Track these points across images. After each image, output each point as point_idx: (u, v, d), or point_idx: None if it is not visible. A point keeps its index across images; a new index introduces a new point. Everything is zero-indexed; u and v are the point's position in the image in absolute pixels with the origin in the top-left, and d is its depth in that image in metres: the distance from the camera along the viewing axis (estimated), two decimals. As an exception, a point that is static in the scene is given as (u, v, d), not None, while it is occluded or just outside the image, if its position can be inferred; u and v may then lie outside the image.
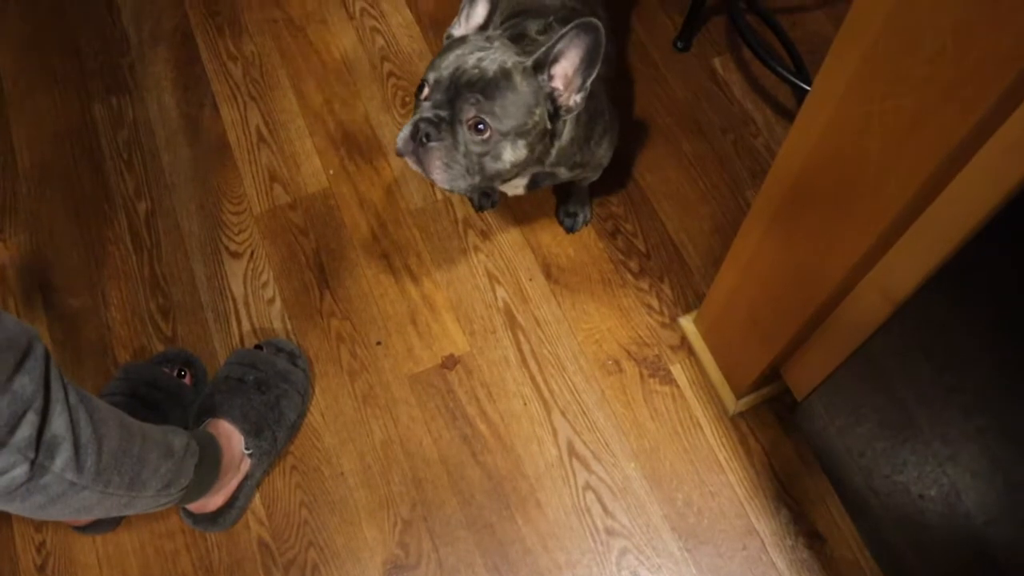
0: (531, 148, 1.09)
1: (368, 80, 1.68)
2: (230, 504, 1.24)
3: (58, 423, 0.83)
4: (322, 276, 1.47)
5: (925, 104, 0.69)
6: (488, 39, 1.08)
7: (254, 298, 1.45)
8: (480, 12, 1.13)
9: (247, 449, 1.23)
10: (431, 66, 1.08)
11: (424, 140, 1.05)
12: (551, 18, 1.21)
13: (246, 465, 1.24)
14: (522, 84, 1.05)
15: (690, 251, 1.49)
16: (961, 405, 0.83)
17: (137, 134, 1.63)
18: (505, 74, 1.04)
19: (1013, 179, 0.66)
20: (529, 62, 1.05)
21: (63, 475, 0.84)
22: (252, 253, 1.50)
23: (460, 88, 1.04)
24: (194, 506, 1.21)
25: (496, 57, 1.05)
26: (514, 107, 1.04)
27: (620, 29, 1.73)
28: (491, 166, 1.08)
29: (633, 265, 1.47)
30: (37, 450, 0.81)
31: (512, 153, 1.07)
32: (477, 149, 1.06)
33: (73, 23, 1.77)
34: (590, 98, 1.13)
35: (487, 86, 1.03)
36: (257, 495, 1.29)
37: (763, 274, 1.10)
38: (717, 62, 1.70)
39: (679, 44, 1.70)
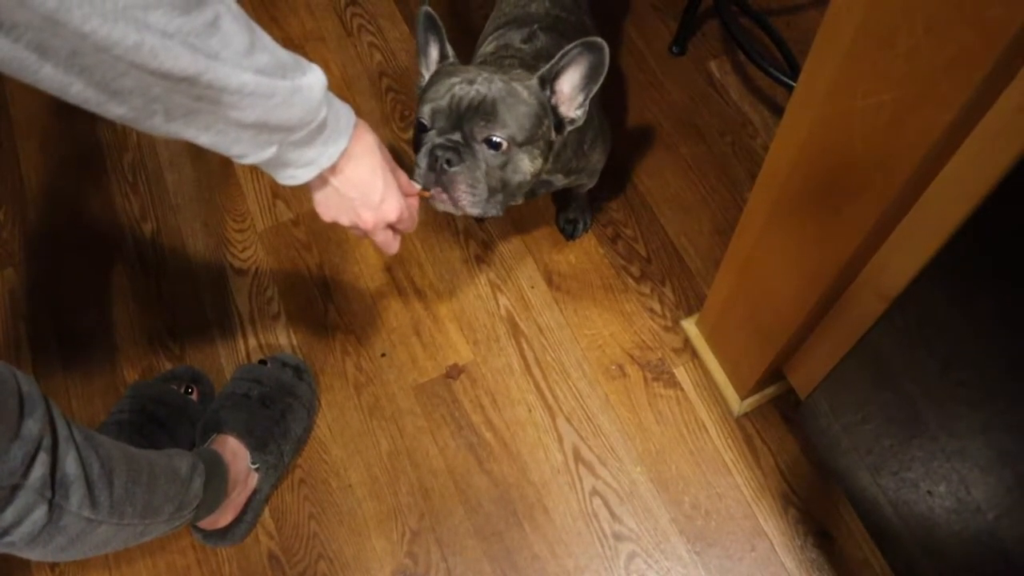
0: (544, 157, 1.09)
1: (367, 95, 1.69)
2: (239, 519, 1.25)
3: (69, 462, 0.84)
4: (326, 290, 1.48)
5: (905, 100, 0.70)
6: (466, 69, 1.08)
7: (259, 314, 1.47)
8: (434, 54, 1.14)
9: (253, 464, 1.24)
10: (423, 100, 1.07)
11: (445, 167, 1.02)
12: (535, 26, 1.22)
13: (253, 480, 1.25)
14: (529, 97, 1.05)
15: (691, 254, 1.49)
16: (967, 399, 0.83)
17: (141, 156, 1.65)
18: (510, 91, 1.04)
19: (998, 169, 0.67)
20: (534, 79, 1.06)
21: (80, 513, 0.86)
22: (256, 270, 1.51)
23: (465, 111, 1.02)
24: (204, 522, 1.22)
25: (491, 79, 1.04)
26: (525, 118, 1.04)
27: (611, 35, 1.74)
28: (513, 178, 1.07)
29: (634, 270, 1.48)
30: (53, 490, 0.82)
31: (531, 163, 1.07)
32: (497, 163, 1.04)
33: (77, 49, 1.79)
34: None
35: (493, 104, 1.02)
36: (266, 509, 1.30)
37: (760, 274, 1.11)
38: (713, 65, 1.70)
39: (675, 49, 1.71)
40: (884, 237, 0.88)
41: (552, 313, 1.44)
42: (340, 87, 1.70)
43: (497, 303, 1.46)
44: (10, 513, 0.79)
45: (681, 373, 1.38)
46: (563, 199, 1.50)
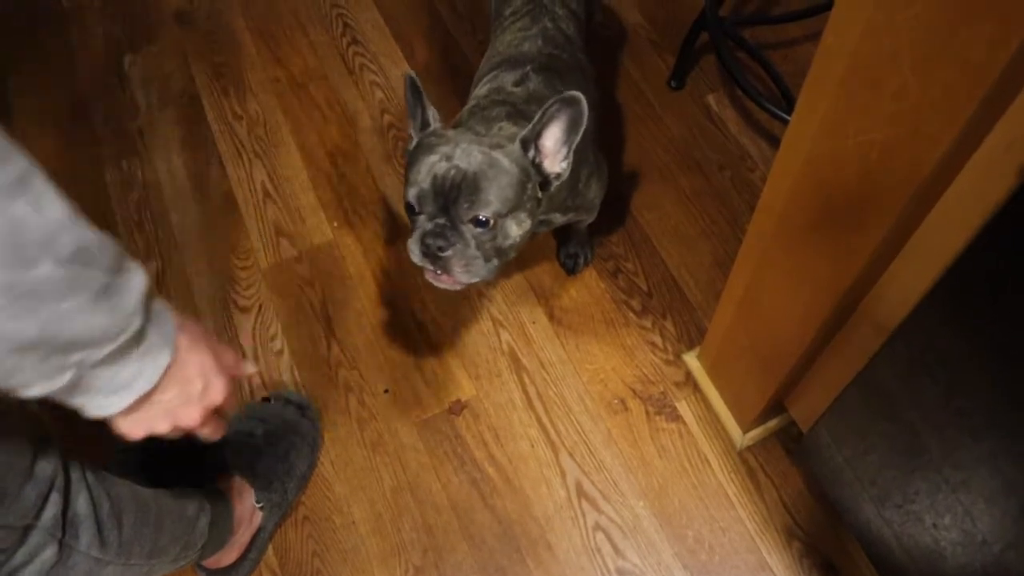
0: (532, 215, 1.10)
1: (369, 133, 1.71)
2: (243, 557, 1.24)
3: (80, 502, 0.85)
4: (329, 327, 1.49)
5: (895, 138, 0.71)
6: (446, 137, 1.08)
7: (263, 351, 1.48)
8: (420, 118, 1.15)
9: (258, 502, 1.24)
10: (408, 182, 1.08)
11: (438, 253, 1.05)
12: (528, 67, 1.24)
13: (258, 518, 1.25)
14: (510, 165, 1.06)
15: (691, 287, 1.50)
16: (969, 429, 0.83)
17: (147, 196, 1.67)
18: (491, 162, 1.05)
19: (991, 202, 0.68)
20: (515, 143, 1.07)
21: (89, 552, 0.86)
22: (260, 307, 1.52)
23: (448, 192, 1.04)
24: (208, 561, 1.22)
25: (469, 150, 1.05)
26: (508, 188, 1.05)
27: (608, 70, 1.76)
28: (505, 244, 1.08)
29: (635, 304, 1.49)
30: (64, 529, 0.82)
31: (518, 227, 1.08)
32: (487, 237, 1.06)
33: (84, 91, 1.83)
34: None
35: (475, 180, 1.03)
36: (270, 547, 1.30)
37: (760, 306, 1.11)
38: (711, 99, 1.72)
39: (673, 83, 1.73)
40: (882, 269, 0.89)
41: (554, 348, 1.45)
42: (342, 125, 1.73)
43: (499, 338, 1.46)
44: (21, 554, 0.80)
45: (683, 407, 1.38)
46: (563, 234, 1.51)
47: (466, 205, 1.03)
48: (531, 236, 1.26)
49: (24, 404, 0.82)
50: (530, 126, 1.06)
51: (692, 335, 1.45)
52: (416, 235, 1.07)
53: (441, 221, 1.05)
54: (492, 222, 1.05)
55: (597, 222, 1.41)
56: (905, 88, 0.65)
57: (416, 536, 1.30)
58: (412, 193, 1.06)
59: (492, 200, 1.04)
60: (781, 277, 1.02)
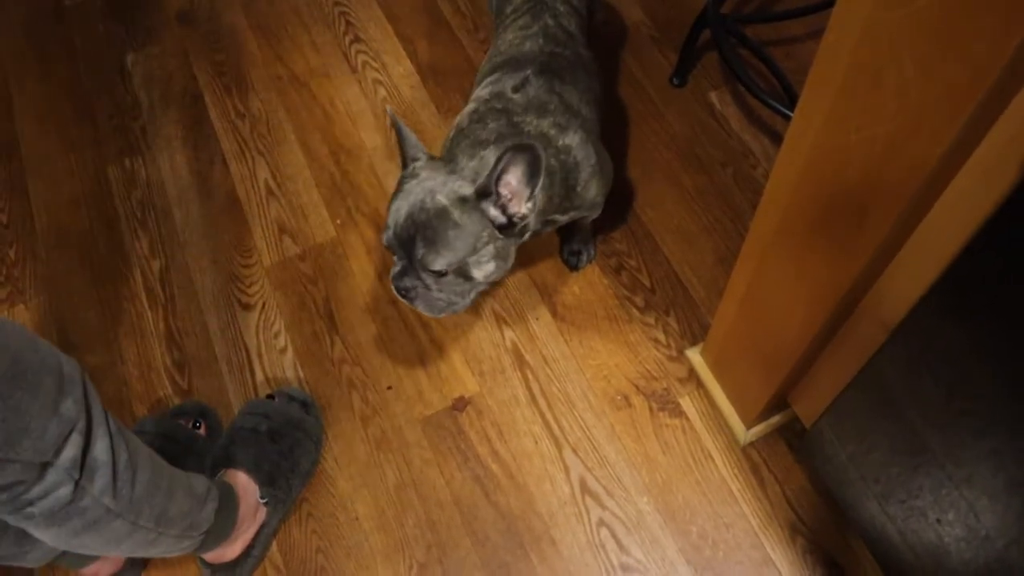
0: (499, 255, 1.14)
1: (372, 130, 1.72)
2: (247, 553, 1.25)
3: (100, 447, 0.87)
4: (332, 324, 1.49)
5: (897, 134, 0.71)
6: (417, 179, 1.13)
7: (266, 348, 1.48)
8: (401, 153, 1.19)
9: (262, 498, 1.24)
10: (388, 212, 1.15)
11: (405, 293, 1.16)
12: (528, 71, 1.24)
13: (262, 514, 1.26)
14: (462, 217, 1.09)
15: (694, 284, 1.50)
16: (972, 426, 0.83)
17: (150, 194, 1.67)
18: (440, 214, 1.09)
19: (994, 198, 0.68)
20: (471, 192, 1.09)
21: (101, 499, 0.88)
22: (264, 304, 1.53)
23: (411, 236, 1.10)
24: (211, 556, 1.23)
25: (424, 201, 1.10)
26: (458, 241, 1.10)
27: (611, 67, 1.76)
28: (469, 287, 1.16)
29: (638, 300, 1.49)
30: (81, 471, 0.85)
31: (480, 270, 1.14)
32: (447, 281, 1.14)
33: (88, 90, 1.83)
34: (564, 153, 1.18)
35: (426, 234, 1.09)
36: (274, 543, 1.30)
37: (762, 303, 1.12)
38: (714, 96, 1.72)
39: (675, 80, 1.73)
40: (884, 265, 0.89)
41: (557, 344, 1.45)
42: (345, 123, 1.73)
43: (502, 335, 1.47)
44: (37, 489, 0.82)
45: (686, 403, 1.39)
46: (567, 231, 1.51)
47: (420, 255, 1.10)
48: (534, 235, 1.27)
49: (54, 348, 0.85)
50: (484, 177, 1.09)
51: (695, 331, 1.45)
52: (391, 275, 1.17)
53: (406, 266, 1.14)
54: (447, 271, 1.12)
55: (600, 219, 1.41)
56: (907, 84, 0.65)
57: (420, 532, 1.30)
58: (384, 237, 1.15)
59: (443, 254, 1.10)
60: (784, 274, 1.03)
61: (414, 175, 1.14)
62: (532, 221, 1.14)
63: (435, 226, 1.09)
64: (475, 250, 1.11)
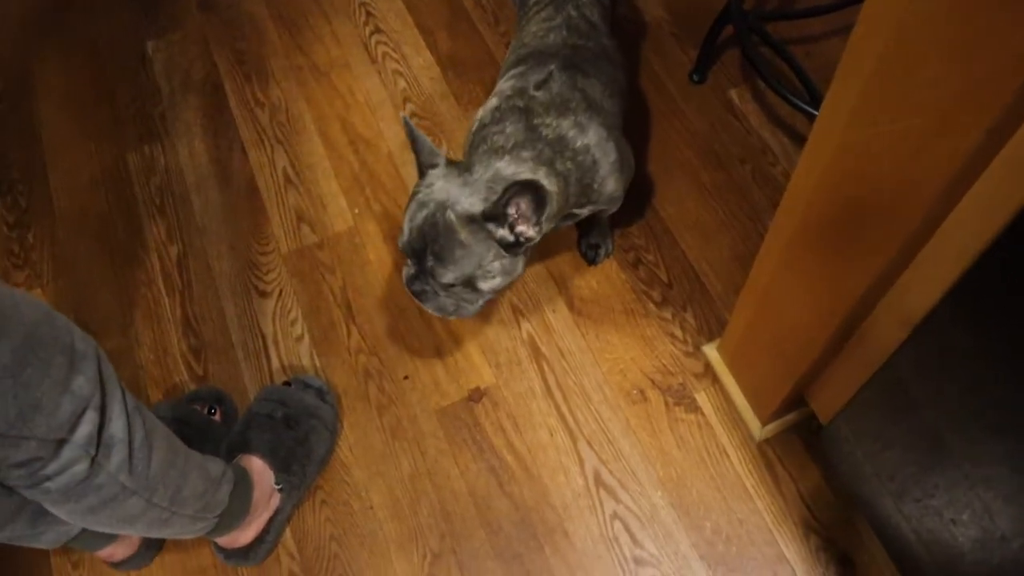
0: (503, 269, 1.16)
1: (391, 121, 1.72)
2: (261, 539, 1.25)
3: (116, 424, 0.87)
4: (349, 313, 1.50)
5: (928, 127, 0.71)
6: (431, 189, 1.15)
7: (283, 336, 1.48)
8: (417, 159, 1.21)
9: (277, 484, 1.25)
10: (404, 217, 1.17)
11: (419, 296, 1.20)
12: (552, 67, 1.24)
13: (276, 500, 1.26)
14: (468, 237, 1.11)
15: (712, 280, 1.50)
16: (990, 426, 0.83)
17: (169, 180, 1.68)
18: (449, 232, 1.11)
19: (1021, 195, 0.67)
20: (480, 212, 1.10)
21: (116, 476, 0.89)
22: (281, 292, 1.53)
23: (423, 245, 1.13)
24: (225, 541, 1.23)
25: (434, 214, 1.11)
26: (465, 260, 1.12)
27: (631, 62, 1.76)
28: (476, 297, 1.19)
29: (656, 295, 1.49)
30: (97, 447, 0.85)
31: (487, 283, 1.16)
32: (456, 291, 1.17)
33: (108, 76, 1.84)
34: (582, 154, 1.19)
35: (437, 246, 1.12)
36: (288, 529, 1.31)
37: (780, 300, 1.11)
38: (734, 93, 1.72)
39: (695, 77, 1.73)
40: (906, 264, 0.88)
41: (574, 337, 1.45)
42: (364, 113, 1.73)
43: (519, 327, 1.47)
44: (53, 466, 0.82)
45: (702, 398, 1.38)
46: (585, 224, 1.51)
47: (430, 266, 1.13)
48: (554, 230, 1.27)
49: (69, 324, 0.85)
50: (491, 204, 1.10)
51: (712, 327, 1.45)
52: (404, 272, 1.21)
53: (418, 272, 1.18)
54: (455, 283, 1.15)
55: (618, 214, 1.41)
56: (942, 74, 0.65)
57: (434, 522, 1.30)
58: (399, 241, 1.18)
59: (450, 269, 1.13)
60: (804, 270, 1.02)
61: (430, 184, 1.16)
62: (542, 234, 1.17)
63: (443, 243, 1.11)
64: (481, 267, 1.14)
